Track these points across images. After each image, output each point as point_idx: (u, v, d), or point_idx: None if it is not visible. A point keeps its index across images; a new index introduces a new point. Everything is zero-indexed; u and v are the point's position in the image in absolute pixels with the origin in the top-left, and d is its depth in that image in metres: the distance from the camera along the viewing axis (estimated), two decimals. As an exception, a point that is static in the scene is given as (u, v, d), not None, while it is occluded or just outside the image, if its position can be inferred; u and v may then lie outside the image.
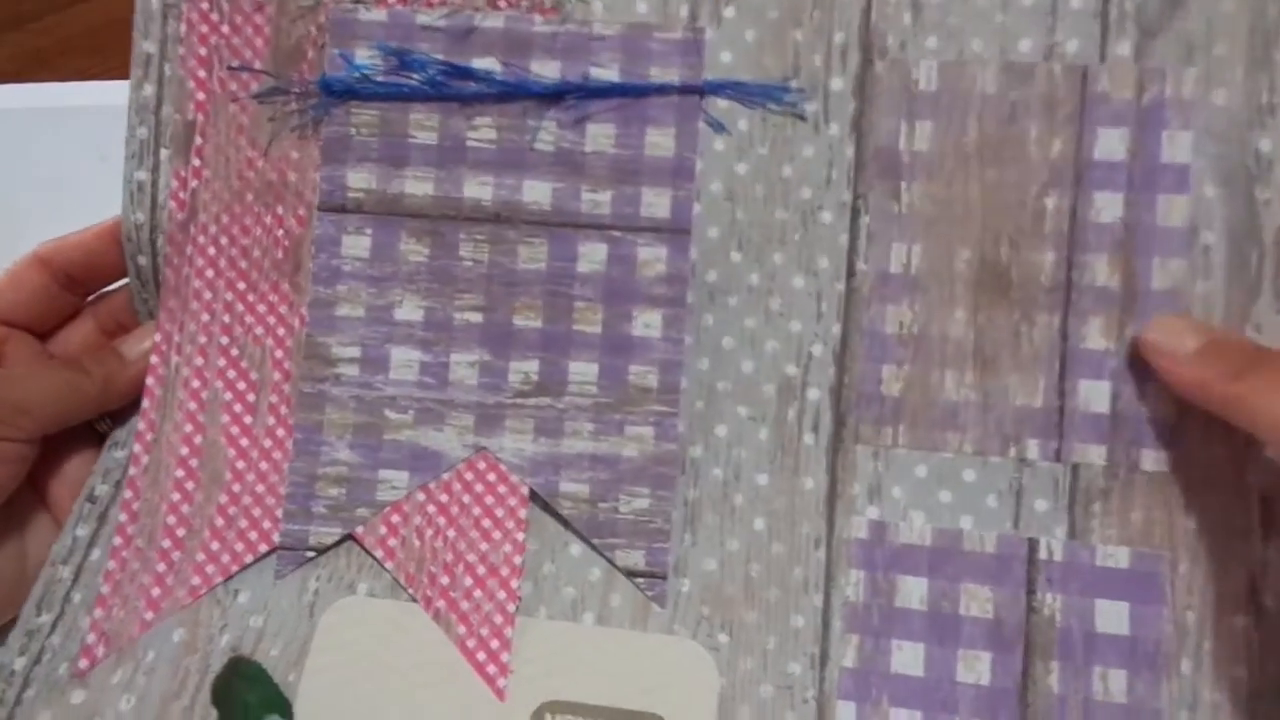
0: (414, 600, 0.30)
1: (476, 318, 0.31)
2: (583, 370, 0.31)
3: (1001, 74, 0.30)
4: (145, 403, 0.31)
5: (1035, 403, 0.30)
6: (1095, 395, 0.30)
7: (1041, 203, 0.30)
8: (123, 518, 0.31)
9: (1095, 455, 0.30)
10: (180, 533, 0.31)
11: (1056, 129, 0.30)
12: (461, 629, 0.30)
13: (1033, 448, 0.30)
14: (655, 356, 0.31)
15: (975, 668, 0.29)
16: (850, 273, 0.31)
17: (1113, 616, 0.29)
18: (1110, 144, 0.30)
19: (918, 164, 0.31)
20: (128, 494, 0.31)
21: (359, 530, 0.31)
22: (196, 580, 0.31)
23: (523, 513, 0.31)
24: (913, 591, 0.30)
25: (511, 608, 0.30)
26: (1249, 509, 0.29)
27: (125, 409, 0.32)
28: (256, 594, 0.31)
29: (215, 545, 0.31)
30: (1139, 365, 0.30)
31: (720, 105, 0.31)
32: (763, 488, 0.31)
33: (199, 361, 0.31)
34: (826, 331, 0.31)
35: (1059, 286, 0.30)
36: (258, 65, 0.32)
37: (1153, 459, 0.29)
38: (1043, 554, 0.29)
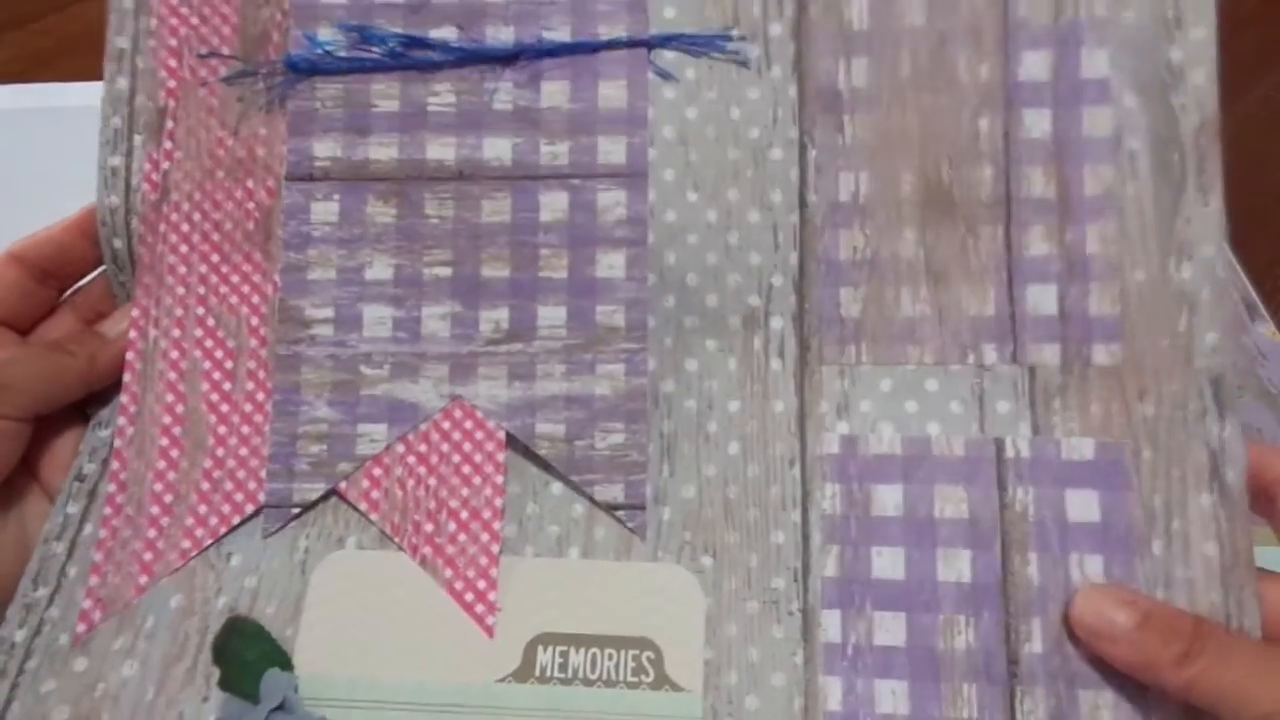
0: (402, 550, 0.31)
1: (445, 272, 0.32)
2: (551, 314, 0.32)
3: (928, 6, 0.33)
4: (126, 376, 0.32)
5: (988, 311, 0.31)
6: (1043, 299, 0.31)
7: (976, 124, 0.32)
8: (111, 488, 0.31)
9: (1049, 355, 0.31)
10: (168, 499, 0.31)
11: (983, 55, 0.32)
12: (449, 573, 0.30)
13: (990, 353, 0.31)
14: (621, 296, 0.32)
15: (955, 566, 0.29)
16: (802, 204, 0.33)
17: (1083, 505, 0.29)
18: (1034, 65, 0.32)
19: (857, 98, 0.33)
20: (115, 465, 0.31)
21: (342, 485, 0.31)
22: (187, 544, 0.31)
23: (501, 456, 0.31)
24: (887, 499, 0.30)
25: (495, 548, 0.30)
26: (1201, 392, 0.30)
27: (108, 391, 0.33)
28: (249, 556, 0.31)
29: (203, 509, 0.31)
30: (1079, 268, 0.31)
31: (667, 56, 0.33)
32: (735, 414, 0.32)
33: (176, 334, 0.32)
34: (784, 261, 0.32)
35: (999, 200, 0.32)
36: (226, 51, 0.33)
37: (1104, 353, 0.31)
38: (1009, 452, 0.30)
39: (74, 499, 0.32)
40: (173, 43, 0.33)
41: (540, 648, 0.30)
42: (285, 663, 0.30)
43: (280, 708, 0.28)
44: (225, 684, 0.29)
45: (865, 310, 0.32)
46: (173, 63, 0.33)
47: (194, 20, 0.33)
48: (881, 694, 0.28)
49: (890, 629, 0.29)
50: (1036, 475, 0.30)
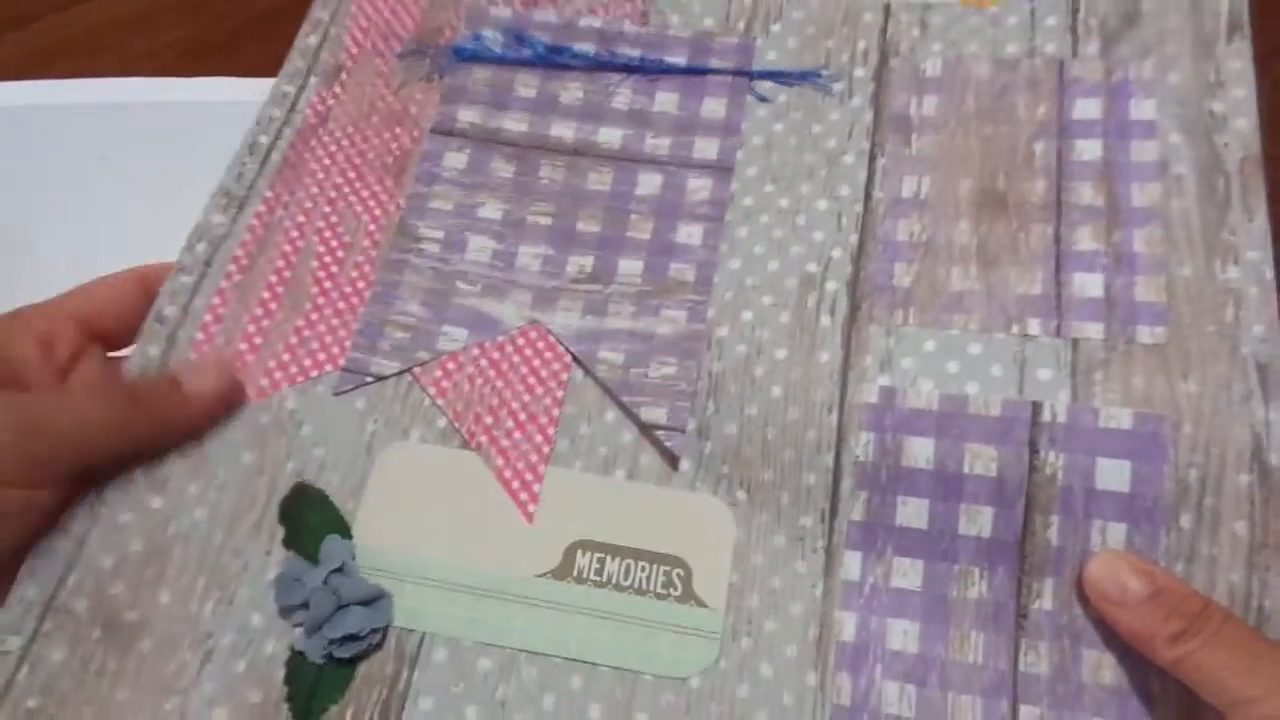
0: (462, 448, 0.33)
1: (546, 221, 0.36)
2: (630, 265, 0.35)
3: (993, 66, 0.37)
4: (246, 235, 0.36)
5: (1034, 290, 0.33)
6: (1089, 284, 0.33)
7: (1031, 148, 0.35)
8: (207, 318, 0.35)
9: (1093, 331, 0.32)
10: (257, 340, 0.35)
11: (1040, 99, 0.36)
12: (500, 460, 0.33)
13: (1034, 325, 0.32)
14: (694, 258, 0.35)
15: (976, 521, 0.30)
16: (867, 196, 0.35)
17: (1114, 474, 0.30)
18: (1087, 108, 0.36)
19: (925, 124, 0.37)
20: (215, 300, 0.35)
21: (417, 370, 0.34)
22: (264, 382, 0.34)
23: (564, 375, 0.34)
24: (919, 451, 0.31)
25: (546, 449, 0.33)
26: (1246, 375, 0.30)
27: None
28: (319, 428, 0.34)
29: (286, 357, 0.35)
30: (1126, 262, 0.32)
31: (765, 86, 0.39)
32: (781, 361, 0.33)
33: (300, 219, 0.37)
34: (845, 240, 0.35)
35: (1050, 205, 0.34)
36: (405, 36, 0.40)
37: (1148, 334, 0.31)
38: (1046, 416, 0.31)
39: (152, 341, 0.34)
40: (363, 22, 0.41)
41: (579, 551, 0.32)
42: (345, 532, 0.32)
43: (338, 570, 0.31)
44: (288, 543, 0.32)
45: (916, 282, 0.34)
46: (359, 35, 0.40)
47: (386, 13, 0.41)
48: (893, 632, 0.29)
49: (907, 574, 0.30)
50: (1070, 441, 0.31)
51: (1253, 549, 0.29)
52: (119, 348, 0.35)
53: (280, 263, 0.36)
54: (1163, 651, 0.27)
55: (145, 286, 0.35)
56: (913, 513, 0.31)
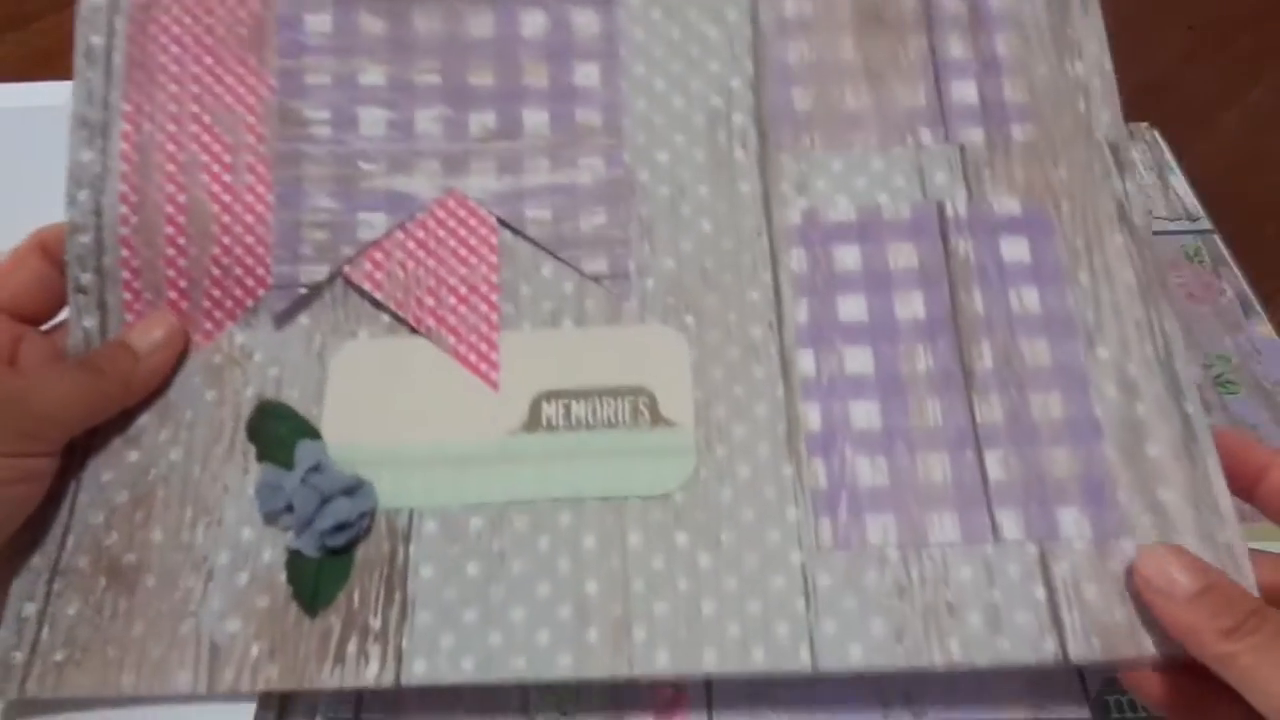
0: (412, 333, 0.33)
1: (434, 79, 0.35)
2: (535, 117, 0.35)
3: None
4: (124, 167, 0.33)
5: (920, 102, 0.36)
6: (965, 91, 0.36)
7: None
8: (125, 275, 0.33)
9: (975, 136, 0.35)
10: (182, 284, 0.33)
11: None
12: (452, 339, 0.33)
13: (925, 135, 0.35)
14: (598, 101, 0.35)
15: (911, 305, 0.33)
16: (754, 20, 0.37)
17: (1016, 250, 0.33)
18: None
19: None
20: (124, 253, 0.33)
21: (346, 268, 0.33)
22: (208, 325, 0.33)
23: (494, 239, 0.34)
24: (847, 257, 0.34)
25: (495, 317, 0.33)
26: (1103, 157, 0.35)
27: None
28: (269, 351, 0.33)
29: (216, 292, 0.33)
30: (992, 66, 0.36)
31: None
32: (705, 197, 0.35)
33: (172, 128, 0.34)
34: (741, 67, 0.36)
35: (921, 17, 0.37)
36: None
37: (1020, 132, 0.35)
38: (949, 212, 0.34)
39: (85, 313, 0.33)
40: None
41: (544, 403, 0.32)
42: (315, 435, 0.32)
43: (315, 469, 0.30)
44: (262, 457, 0.31)
45: (815, 105, 0.36)
46: None
47: None
48: (855, 413, 0.32)
49: (859, 360, 0.32)
50: (974, 229, 0.34)
51: (1143, 289, 0.33)
52: (47, 320, 0.34)
53: (170, 187, 0.33)
54: (1210, 647, 0.26)
55: (48, 253, 0.33)
56: (853, 308, 0.33)
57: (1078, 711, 0.32)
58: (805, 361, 0.32)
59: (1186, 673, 0.28)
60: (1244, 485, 0.31)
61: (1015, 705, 0.32)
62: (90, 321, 0.33)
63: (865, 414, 0.32)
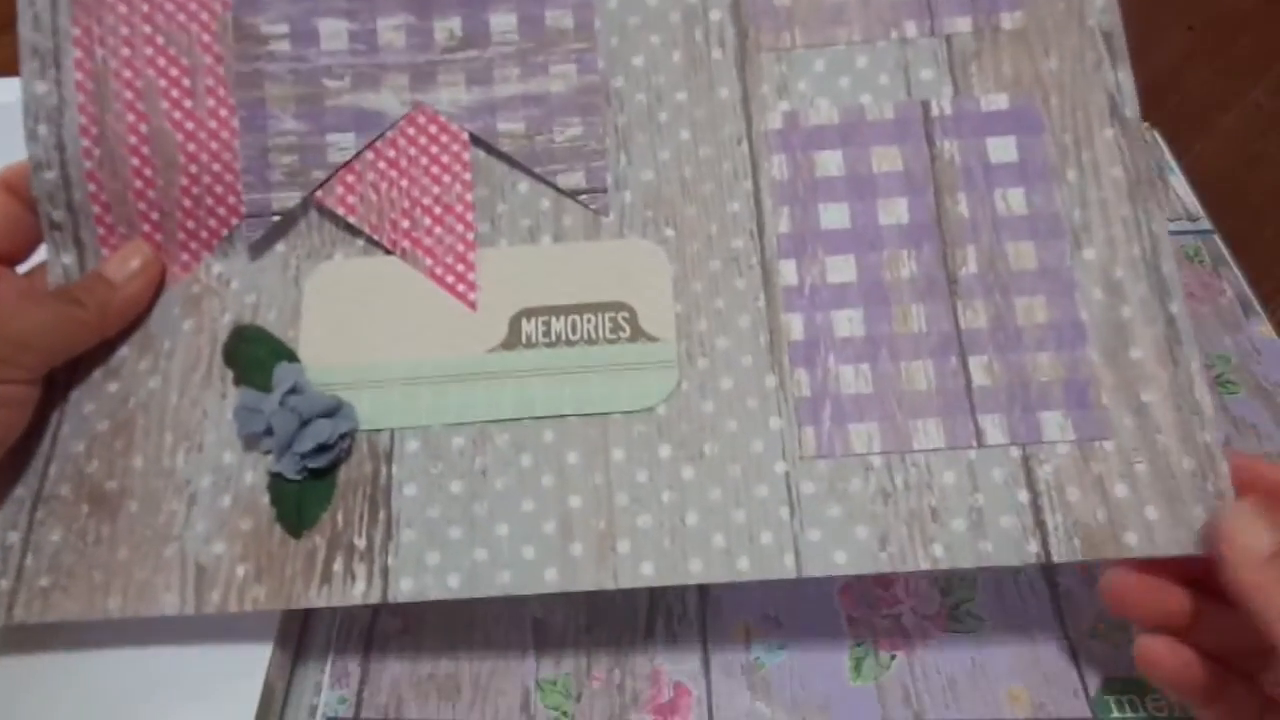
0: (388, 254, 0.32)
1: (394, -15, 0.34)
2: (502, 21, 0.34)
3: None
4: (79, 97, 0.32)
5: (906, -10, 0.34)
6: (955, -25, 0.34)
7: None
8: (96, 210, 0.32)
9: (962, 25, 0.34)
10: (154, 216, 0.32)
11: None
12: (429, 260, 0.32)
13: (910, 28, 0.34)
14: (567, 1, 0.34)
15: (894, 211, 0.32)
16: None
17: (1003, 149, 0.32)
18: None
19: None
20: (91, 187, 0.32)
21: (319, 193, 0.32)
22: (184, 256, 0.33)
23: (466, 155, 0.33)
24: (830, 162, 0.33)
25: (470, 235, 0.32)
26: (1095, 45, 0.33)
27: None
28: (245, 278, 0.33)
29: (191, 224, 0.32)
30: None
31: None
32: (683, 103, 0.34)
33: (125, 52, 0.33)
34: None
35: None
36: None
37: (1009, 19, 0.33)
38: (935, 111, 0.33)
39: (63, 249, 0.33)
40: None
41: (524, 320, 0.32)
42: (292, 357, 0.31)
43: (293, 391, 0.30)
44: (240, 380, 0.31)
45: (796, 1, 0.34)
46: None
47: None
48: (838, 321, 0.31)
49: (841, 269, 0.32)
50: (960, 128, 0.33)
51: (1131, 186, 0.32)
52: (20, 261, 0.34)
53: (130, 116, 0.32)
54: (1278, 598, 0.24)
55: (14, 191, 0.33)
56: (835, 215, 0.32)
57: (1078, 711, 0.32)
58: (787, 271, 0.32)
59: (1203, 653, 0.28)
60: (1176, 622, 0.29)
61: (1015, 704, 0.32)
62: (68, 258, 0.33)
63: (848, 322, 0.31)
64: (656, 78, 0.34)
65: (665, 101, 0.34)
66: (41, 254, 0.33)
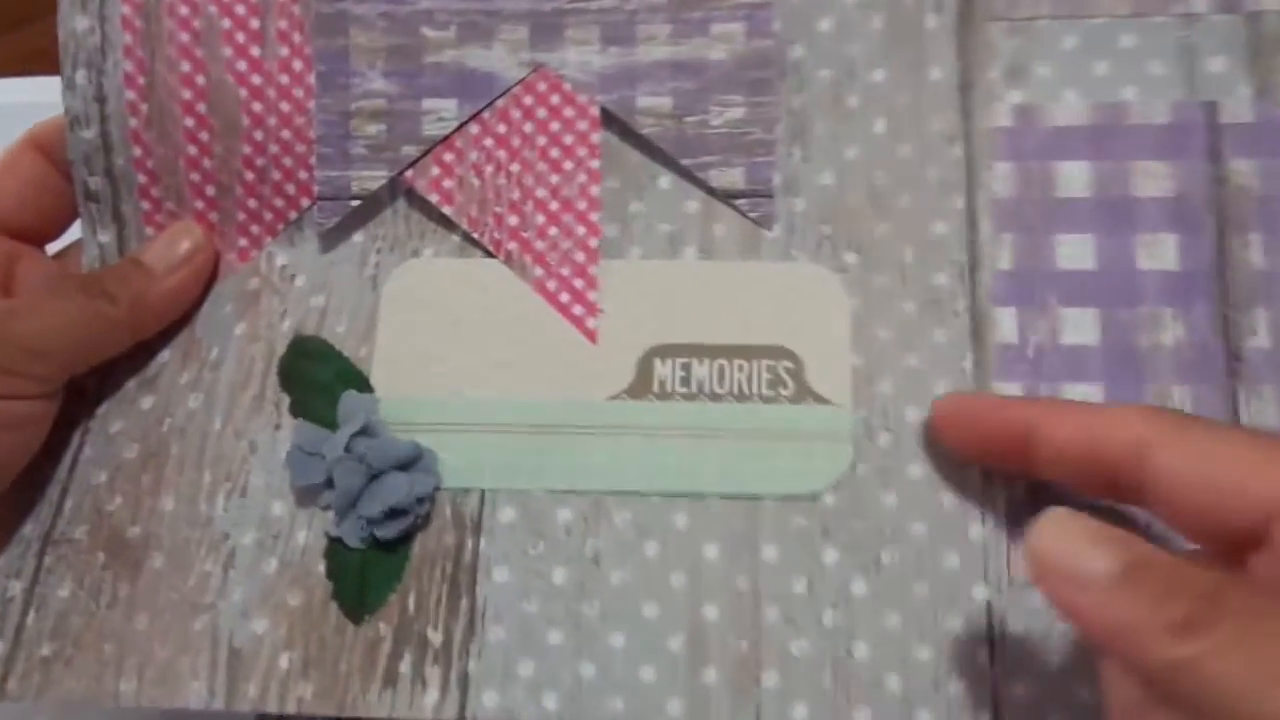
0: (487, 255, 0.26)
1: (517, -91, 0.26)
2: (652, -39, 0.26)
3: None
4: (126, 36, 0.26)
5: (1196, -52, 0.25)
6: (1270, -68, 0.25)
7: None
8: (141, 179, 0.26)
9: (1272, 1, 0.25)
10: (209, 191, 0.26)
11: None
12: (539, 270, 0.25)
13: (1199, 0, 0.25)
14: (738, -61, 0.26)
15: (1158, 253, 0.24)
16: None
17: (1319, 176, 0.24)
18: None
19: None
20: (136, 150, 0.26)
21: (408, 174, 0.26)
22: (243, 242, 0.27)
23: (595, 137, 0.26)
24: (1074, 178, 0.25)
25: (594, 242, 0.25)
26: None
27: None
28: (314, 275, 0.26)
29: (253, 202, 0.26)
30: None
31: None
32: (881, 84, 0.26)
33: None
34: None
35: None
36: None
37: (1348, -7, 0.25)
38: (1225, 118, 0.24)
39: (101, 225, 0.27)
40: None
41: (657, 360, 0.25)
42: (362, 383, 0.25)
43: (362, 432, 0.24)
44: (298, 410, 0.25)
45: (1043, -48, 0.26)
46: None
47: None
48: (1072, 399, 0.24)
49: (1080, 327, 0.24)
50: (1260, 143, 0.24)
51: None
52: (52, 238, 0.28)
53: (185, 64, 0.26)
54: (1157, 651, 0.17)
55: (47, 153, 0.27)
56: (1075, 252, 0.24)
57: None
58: (1005, 324, 0.24)
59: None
60: (1015, 451, 0.22)
61: None
62: (106, 236, 0.27)
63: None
64: (849, 48, 0.26)
65: (858, 80, 0.26)
66: (76, 231, 0.27)
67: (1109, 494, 0.21)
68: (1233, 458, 0.19)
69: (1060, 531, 0.19)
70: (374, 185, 0.26)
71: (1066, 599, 0.18)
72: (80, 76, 0.26)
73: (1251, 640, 0.16)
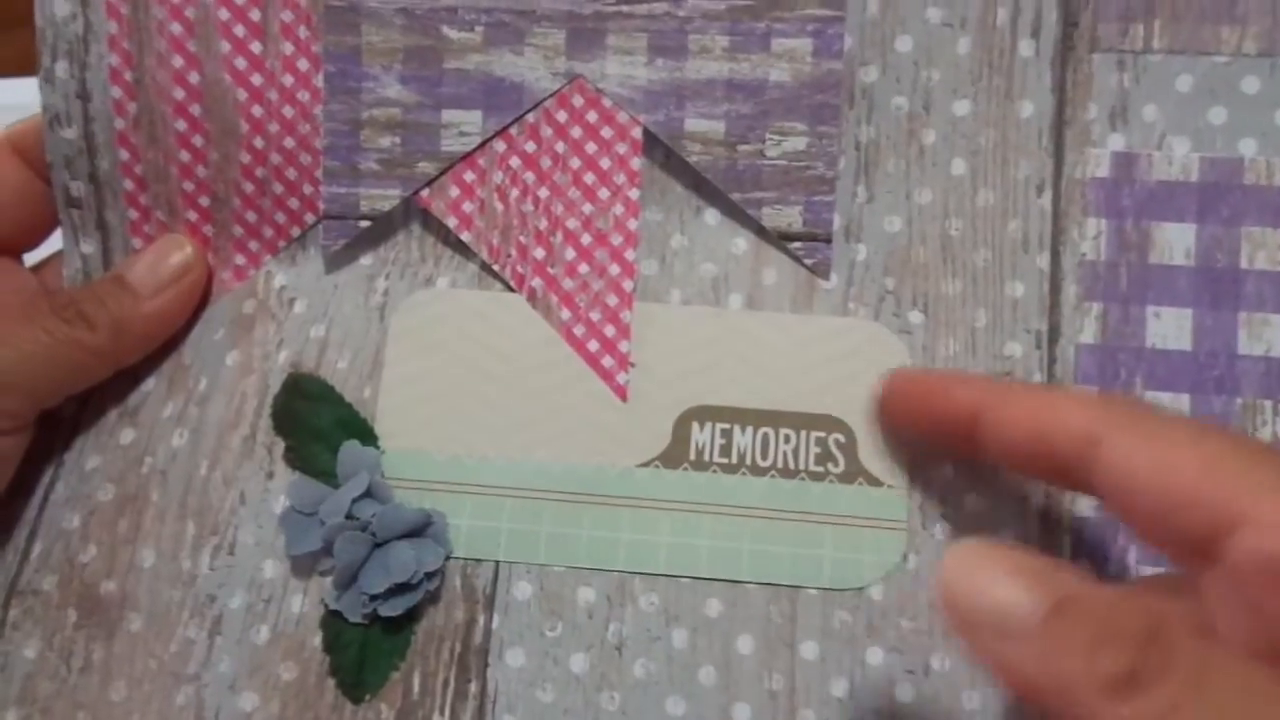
0: (508, 289, 0.23)
1: (557, -106, 0.22)
2: (710, -38, 0.22)
3: None
4: (112, 25, 0.22)
5: (1343, -22, 0.22)
6: None
7: None
8: (128, 185, 0.23)
9: None
10: (204, 201, 0.23)
11: None
12: (566, 313, 0.23)
13: (1341, 40, 0.22)
14: (811, -61, 0.22)
15: (1264, 336, 0.22)
16: None
17: None
18: None
19: None
20: (123, 154, 0.23)
21: (424, 193, 0.23)
22: (240, 259, 0.24)
23: (636, 163, 0.23)
24: (1175, 242, 0.22)
25: (629, 285, 0.23)
26: None
27: None
28: (315, 301, 0.23)
29: (251, 216, 0.23)
30: None
31: None
32: (963, 119, 0.23)
33: None
34: None
35: None
36: None
37: None
38: (1356, 182, 0.22)
39: (83, 235, 0.24)
40: None
41: (695, 425, 0.22)
42: (366, 433, 0.22)
43: (366, 494, 0.21)
44: (293, 458, 0.23)
45: (1161, -27, 0.22)
46: None
47: None
48: (1153, 498, 0.21)
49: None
50: (1392, 215, 0.22)
51: None
52: (31, 247, 0.25)
53: (177, 59, 0.22)
54: (1093, 712, 0.14)
55: (22, 154, 0.24)
56: (1170, 328, 0.22)
57: None
58: (1087, 406, 0.22)
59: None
60: (963, 434, 0.20)
61: None
62: (89, 246, 0.24)
63: (1169, 502, 0.22)
64: (928, 74, 0.23)
65: (937, 112, 0.23)
66: (57, 240, 0.24)
67: (1062, 483, 0.19)
68: (1185, 460, 0.16)
69: (975, 565, 0.16)
70: (386, 205, 0.23)
71: (985, 648, 0.15)
72: (60, 69, 0.23)
73: (1201, 699, 0.14)
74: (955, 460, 0.22)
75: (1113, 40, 0.22)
